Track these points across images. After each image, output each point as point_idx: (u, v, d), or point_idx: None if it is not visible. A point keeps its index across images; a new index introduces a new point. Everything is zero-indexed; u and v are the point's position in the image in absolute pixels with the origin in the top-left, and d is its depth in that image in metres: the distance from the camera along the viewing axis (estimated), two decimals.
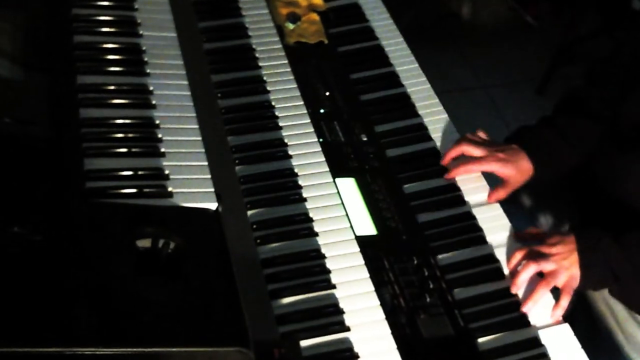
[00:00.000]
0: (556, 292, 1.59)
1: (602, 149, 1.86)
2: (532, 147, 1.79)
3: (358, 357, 1.41)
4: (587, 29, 3.87)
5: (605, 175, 1.84)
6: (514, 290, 1.57)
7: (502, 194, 1.74)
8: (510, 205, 1.78)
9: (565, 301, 1.57)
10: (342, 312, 1.46)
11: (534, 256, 1.60)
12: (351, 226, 1.61)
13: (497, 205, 1.72)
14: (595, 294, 1.90)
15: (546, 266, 1.59)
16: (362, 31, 2.12)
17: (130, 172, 1.55)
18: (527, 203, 2.13)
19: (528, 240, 1.67)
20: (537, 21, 4.28)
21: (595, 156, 1.87)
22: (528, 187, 1.82)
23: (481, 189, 1.74)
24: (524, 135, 1.85)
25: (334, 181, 1.69)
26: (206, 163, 1.61)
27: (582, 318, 1.93)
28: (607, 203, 1.83)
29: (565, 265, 1.60)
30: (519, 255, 1.60)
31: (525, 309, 1.54)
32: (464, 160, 1.77)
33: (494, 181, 1.76)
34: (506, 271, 1.60)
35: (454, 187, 1.74)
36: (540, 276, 1.59)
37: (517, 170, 1.76)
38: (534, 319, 1.53)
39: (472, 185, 1.74)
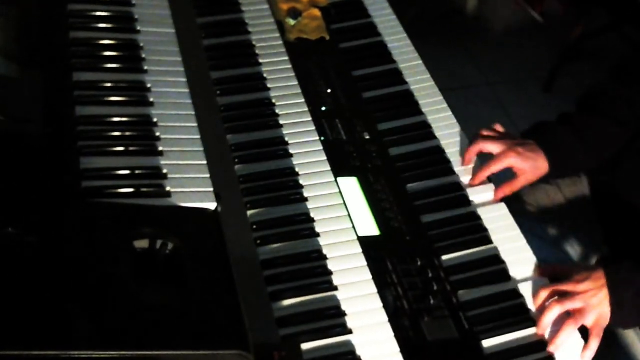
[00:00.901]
0: (585, 332, 1.55)
1: (624, 162, 1.85)
2: (550, 145, 1.78)
3: None
4: (594, 24, 3.86)
5: (629, 191, 1.83)
6: (539, 332, 1.51)
7: (507, 189, 1.74)
8: (517, 205, 1.77)
9: (595, 343, 1.52)
10: (344, 314, 1.46)
11: (560, 295, 1.55)
12: (353, 227, 1.61)
13: (503, 205, 1.72)
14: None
15: (572, 305, 1.53)
16: (364, 27, 2.11)
17: (127, 171, 1.55)
18: (552, 232, 2.08)
19: (552, 276, 1.62)
20: (543, 17, 4.28)
21: (617, 172, 1.86)
22: (552, 215, 1.79)
23: (486, 189, 1.74)
24: (541, 131, 1.84)
25: (336, 180, 1.69)
26: (205, 162, 1.61)
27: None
28: (634, 221, 1.81)
29: (594, 304, 1.54)
30: (543, 295, 1.55)
31: (552, 348, 1.50)
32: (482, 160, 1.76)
33: (498, 180, 1.76)
34: (512, 273, 1.60)
35: (458, 187, 1.74)
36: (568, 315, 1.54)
37: (533, 166, 1.75)
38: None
39: (477, 186, 1.74)
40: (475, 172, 1.76)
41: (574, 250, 2.05)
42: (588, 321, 1.54)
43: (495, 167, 1.74)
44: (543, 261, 1.64)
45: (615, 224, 1.93)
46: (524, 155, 1.74)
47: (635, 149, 1.85)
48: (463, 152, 1.79)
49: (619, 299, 1.56)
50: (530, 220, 1.97)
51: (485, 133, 1.81)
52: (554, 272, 1.63)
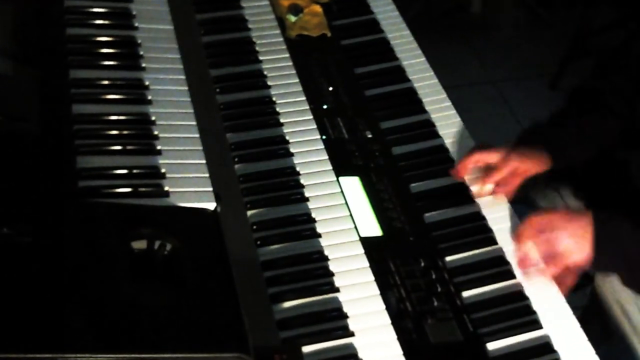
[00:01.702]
0: None
1: (617, 148, 1.86)
2: (548, 141, 1.80)
3: None
4: (601, 20, 3.86)
5: (622, 174, 1.84)
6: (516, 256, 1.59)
7: (512, 185, 1.74)
8: (522, 206, 1.77)
9: (571, 280, 1.59)
10: (345, 316, 1.46)
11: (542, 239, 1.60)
12: (355, 227, 1.61)
13: (508, 205, 1.71)
14: (609, 297, 1.89)
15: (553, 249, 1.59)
16: (366, 24, 2.11)
17: (125, 171, 1.55)
18: (541, 204, 2.11)
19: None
20: (549, 13, 4.28)
21: (611, 155, 1.87)
22: (542, 186, 1.81)
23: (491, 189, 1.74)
24: (537, 132, 1.85)
25: (338, 180, 1.69)
26: (204, 161, 1.61)
27: (595, 321, 1.92)
28: (623, 200, 1.83)
29: (572, 245, 1.59)
30: (525, 227, 1.61)
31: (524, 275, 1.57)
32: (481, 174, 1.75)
33: None
34: (517, 274, 1.59)
35: (462, 186, 1.73)
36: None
37: (537, 163, 1.76)
38: (541, 312, 1.53)
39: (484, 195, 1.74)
40: (477, 182, 1.74)
41: None
42: (560, 246, 1.58)
43: (499, 175, 1.72)
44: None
45: (601, 194, 1.95)
46: (525, 155, 1.75)
47: None
48: (467, 151, 1.79)
49: (601, 246, 1.59)
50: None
51: (480, 146, 1.79)
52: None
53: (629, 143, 1.83)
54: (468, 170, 1.74)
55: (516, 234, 1.62)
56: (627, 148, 1.83)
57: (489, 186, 1.72)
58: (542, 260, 1.59)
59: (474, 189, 1.72)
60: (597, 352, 1.50)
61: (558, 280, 1.59)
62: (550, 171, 1.79)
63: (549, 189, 2.09)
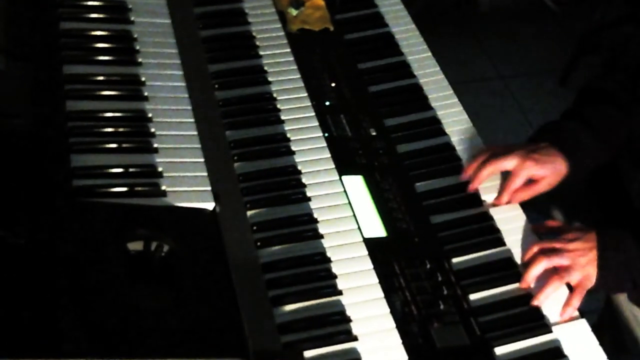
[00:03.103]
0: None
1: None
2: (562, 142, 1.76)
3: None
4: (612, 15, 3.86)
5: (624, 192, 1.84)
6: (523, 286, 1.57)
7: (526, 195, 1.72)
8: (533, 212, 1.77)
9: (576, 300, 1.56)
10: (349, 320, 1.46)
11: (548, 251, 1.60)
12: (359, 228, 1.61)
13: (516, 205, 1.71)
14: (623, 303, 1.89)
15: (560, 261, 1.59)
16: (370, 17, 2.11)
17: (120, 170, 1.55)
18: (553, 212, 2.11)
19: (545, 233, 1.68)
20: (559, 7, 4.28)
21: (615, 171, 1.87)
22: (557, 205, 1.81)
23: (498, 188, 1.74)
24: (550, 130, 1.82)
25: (341, 179, 1.69)
26: (202, 160, 1.61)
27: (609, 328, 1.92)
28: (632, 209, 1.82)
29: (581, 263, 1.60)
30: (534, 249, 1.61)
31: (536, 302, 1.55)
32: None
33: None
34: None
35: (469, 185, 1.73)
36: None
37: (554, 169, 1.72)
38: (550, 315, 1.53)
39: (488, 184, 1.74)
40: (498, 190, 1.73)
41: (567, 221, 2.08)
42: (573, 279, 1.59)
43: (516, 183, 1.70)
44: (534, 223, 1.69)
45: (610, 202, 1.94)
46: (541, 161, 1.71)
47: None
48: (474, 150, 1.79)
49: (605, 263, 1.61)
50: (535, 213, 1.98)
51: (492, 150, 1.76)
52: (547, 229, 1.69)
53: (635, 161, 1.83)
54: (482, 181, 1.72)
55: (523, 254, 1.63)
56: (633, 167, 1.82)
57: (506, 197, 1.71)
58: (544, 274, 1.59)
59: (488, 197, 1.71)
60: (610, 357, 1.50)
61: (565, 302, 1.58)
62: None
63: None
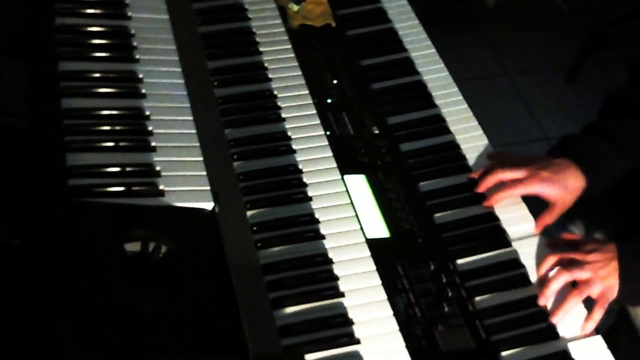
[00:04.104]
0: (589, 304, 1.57)
1: None
2: (583, 157, 1.73)
3: None
4: (621, 10, 3.85)
5: None
6: (541, 302, 1.55)
7: (548, 219, 1.70)
8: (550, 230, 1.75)
9: (598, 314, 1.55)
10: (351, 322, 1.46)
11: (567, 264, 1.58)
12: (361, 228, 1.61)
13: (523, 205, 1.71)
14: (639, 310, 1.89)
15: (580, 275, 1.57)
16: (373, 13, 2.11)
17: (117, 169, 1.55)
18: (573, 230, 2.06)
19: (562, 246, 1.67)
20: (566, 2, 4.27)
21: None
22: (572, 213, 1.80)
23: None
24: (569, 145, 1.79)
25: (343, 178, 1.69)
26: (201, 158, 1.61)
27: (624, 335, 1.92)
28: None
29: (601, 275, 1.58)
30: (551, 261, 1.59)
31: (555, 319, 1.53)
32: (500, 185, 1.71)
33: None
34: (532, 277, 1.59)
35: (474, 185, 1.73)
36: (573, 286, 1.58)
37: (564, 189, 1.69)
38: (563, 331, 1.52)
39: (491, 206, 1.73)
40: (492, 192, 1.71)
41: (585, 231, 2.05)
42: (594, 292, 1.57)
43: (514, 192, 1.69)
44: (550, 236, 1.68)
45: (633, 208, 1.93)
46: (549, 180, 1.68)
47: None
48: (479, 149, 1.79)
49: (628, 273, 1.59)
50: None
51: (502, 157, 1.76)
52: (563, 242, 1.69)
53: None
54: (488, 188, 1.71)
55: (539, 266, 1.61)
56: None
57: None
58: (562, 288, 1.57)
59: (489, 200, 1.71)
60: None
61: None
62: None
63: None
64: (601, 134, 1.79)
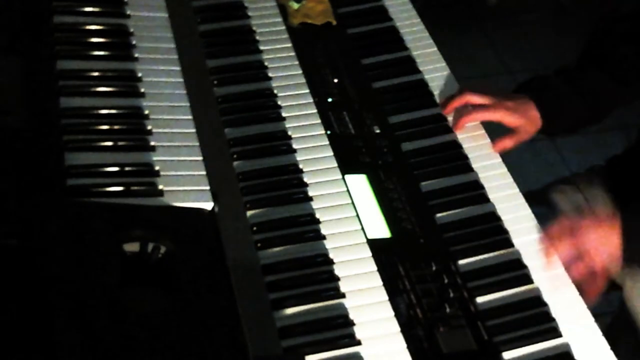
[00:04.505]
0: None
1: None
2: (541, 95, 1.86)
3: None
4: (626, 8, 3.84)
5: None
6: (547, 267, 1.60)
7: (509, 143, 1.82)
8: (542, 208, 1.77)
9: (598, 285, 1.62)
10: (352, 324, 1.46)
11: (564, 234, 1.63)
12: (362, 228, 1.61)
13: (525, 205, 1.71)
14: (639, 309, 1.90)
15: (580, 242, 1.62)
16: (374, 11, 2.11)
17: (116, 168, 1.55)
18: (563, 206, 2.11)
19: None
20: (570, 1, 4.27)
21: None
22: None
23: (508, 186, 1.74)
24: (533, 83, 1.93)
25: (343, 178, 1.69)
26: (201, 158, 1.61)
27: (625, 335, 1.92)
28: None
29: (599, 244, 1.62)
30: (553, 231, 1.64)
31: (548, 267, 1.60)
32: (468, 110, 1.84)
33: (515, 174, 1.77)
34: (535, 278, 1.59)
35: (476, 185, 1.73)
36: None
37: (525, 118, 1.83)
38: (566, 332, 1.52)
39: (496, 183, 1.74)
40: (459, 117, 1.83)
41: None
42: (596, 265, 1.62)
43: (480, 116, 1.82)
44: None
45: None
46: (512, 109, 1.82)
47: None
48: (481, 148, 1.79)
49: (629, 230, 1.63)
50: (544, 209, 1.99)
51: (468, 95, 1.85)
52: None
53: None
54: (462, 128, 1.83)
55: (544, 236, 1.64)
56: None
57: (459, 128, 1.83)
58: (566, 262, 1.61)
59: (495, 196, 1.72)
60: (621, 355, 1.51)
61: (585, 287, 1.60)
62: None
63: (572, 190, 2.09)
64: (565, 77, 1.92)
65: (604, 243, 1.61)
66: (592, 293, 1.59)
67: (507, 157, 1.79)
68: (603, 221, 1.64)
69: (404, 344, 1.45)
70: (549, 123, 1.85)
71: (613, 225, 1.63)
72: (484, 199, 1.71)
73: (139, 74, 1.73)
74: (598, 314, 1.57)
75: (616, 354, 1.51)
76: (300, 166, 1.69)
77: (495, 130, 1.85)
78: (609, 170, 2.04)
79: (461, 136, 1.82)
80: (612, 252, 1.61)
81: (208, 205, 1.49)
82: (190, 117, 1.68)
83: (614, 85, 1.89)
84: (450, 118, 1.86)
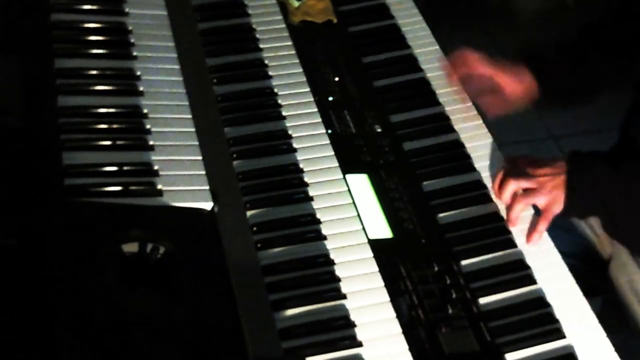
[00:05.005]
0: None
1: None
2: (536, 64, 1.92)
3: None
4: (631, 9, 3.84)
5: None
6: (510, 226, 1.67)
7: (497, 105, 1.91)
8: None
9: (543, 225, 1.66)
10: (353, 325, 1.46)
11: (516, 174, 1.70)
12: (363, 228, 1.61)
13: (529, 206, 1.71)
14: (625, 287, 1.93)
15: (526, 184, 1.69)
16: (375, 9, 2.11)
17: (114, 168, 1.55)
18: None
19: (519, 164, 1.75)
20: (574, 0, 4.27)
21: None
22: None
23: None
24: (531, 55, 1.97)
25: (344, 178, 1.69)
26: (200, 157, 1.61)
27: (613, 311, 1.94)
28: None
29: (547, 186, 1.69)
30: (502, 174, 1.71)
31: (509, 225, 1.66)
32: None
33: None
34: (537, 277, 1.59)
35: (479, 184, 1.73)
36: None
37: (519, 81, 1.90)
38: (569, 333, 1.52)
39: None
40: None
41: (596, 236, 2.09)
42: (540, 201, 1.69)
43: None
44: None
45: None
46: (510, 70, 1.90)
47: None
48: (484, 148, 1.79)
49: (574, 184, 1.69)
50: None
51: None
52: (521, 163, 1.76)
53: None
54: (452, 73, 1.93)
55: (497, 189, 1.72)
56: None
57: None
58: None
59: (489, 175, 1.75)
60: (614, 342, 1.51)
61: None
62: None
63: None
64: (565, 54, 1.97)
65: (555, 200, 1.68)
66: (537, 235, 1.65)
67: None
68: (552, 169, 1.70)
69: (405, 346, 1.44)
70: (544, 93, 1.91)
71: (560, 172, 1.69)
72: (486, 198, 1.71)
73: (138, 73, 1.73)
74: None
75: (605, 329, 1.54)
76: (301, 166, 1.69)
77: (499, 128, 1.85)
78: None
79: (464, 135, 1.82)
80: (556, 200, 1.68)
81: (207, 205, 1.49)
82: (189, 116, 1.68)
83: (606, 69, 1.94)
84: (453, 117, 1.85)
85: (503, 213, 1.69)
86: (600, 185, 1.68)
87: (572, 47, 1.97)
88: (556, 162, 1.72)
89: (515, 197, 1.68)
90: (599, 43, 1.94)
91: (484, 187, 1.73)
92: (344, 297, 1.49)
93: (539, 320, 1.54)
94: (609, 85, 1.98)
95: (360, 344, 1.43)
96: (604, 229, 1.89)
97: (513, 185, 1.68)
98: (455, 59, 1.94)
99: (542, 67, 1.92)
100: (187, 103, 1.71)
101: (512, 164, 1.75)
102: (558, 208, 1.68)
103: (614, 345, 1.51)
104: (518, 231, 1.66)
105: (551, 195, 1.68)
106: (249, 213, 1.60)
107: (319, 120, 1.79)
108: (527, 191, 1.69)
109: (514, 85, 1.89)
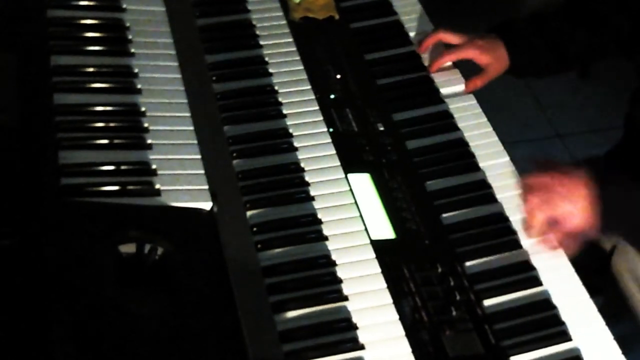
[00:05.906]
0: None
1: None
2: (509, 36, 1.96)
3: None
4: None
5: None
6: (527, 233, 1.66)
7: (479, 82, 1.93)
8: None
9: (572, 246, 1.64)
10: (355, 327, 1.46)
11: (539, 204, 1.65)
12: (366, 229, 1.61)
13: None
14: (625, 276, 1.95)
15: (551, 212, 1.64)
16: (378, 5, 2.11)
17: (111, 167, 1.55)
18: None
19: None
20: None
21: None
22: None
23: (510, 183, 1.73)
24: (504, 24, 2.01)
25: (346, 177, 1.69)
26: (199, 156, 1.61)
27: (613, 300, 1.97)
28: None
29: (564, 196, 1.64)
30: (522, 185, 1.70)
31: (527, 235, 1.65)
32: (442, 50, 1.98)
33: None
34: (542, 278, 1.59)
35: (483, 184, 1.73)
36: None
37: (495, 58, 1.94)
38: (575, 335, 1.52)
39: (503, 182, 1.73)
40: (434, 58, 1.96)
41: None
42: (557, 211, 1.64)
43: (453, 56, 1.95)
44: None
45: None
46: (483, 48, 1.93)
47: None
48: (488, 146, 1.79)
49: (599, 196, 1.64)
50: None
51: (443, 32, 2.00)
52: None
53: None
54: (428, 49, 2.00)
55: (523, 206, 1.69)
56: None
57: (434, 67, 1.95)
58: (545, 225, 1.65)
59: (503, 196, 1.72)
60: (613, 331, 1.51)
61: (563, 247, 1.64)
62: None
63: None
64: (534, 22, 2.02)
65: (574, 211, 1.63)
66: (569, 251, 1.63)
67: (515, 156, 1.79)
68: (570, 182, 1.65)
69: (408, 348, 1.44)
70: (515, 64, 1.95)
71: (581, 186, 1.64)
72: (491, 198, 1.71)
73: (136, 70, 1.73)
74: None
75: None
76: (302, 165, 1.69)
77: (504, 127, 1.84)
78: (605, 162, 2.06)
79: (467, 133, 1.82)
80: (583, 220, 1.63)
81: (207, 205, 1.49)
82: (188, 114, 1.68)
83: (582, 34, 1.97)
84: (457, 115, 1.85)
85: (508, 213, 1.68)
86: (631, 207, 1.66)
87: (544, 18, 2.02)
88: (575, 170, 1.68)
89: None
90: (572, 13, 2.00)
91: (489, 186, 1.73)
92: (345, 298, 1.49)
93: (544, 323, 1.53)
94: (584, 54, 2.03)
95: (362, 347, 1.43)
96: (632, 245, 1.88)
97: (541, 217, 1.64)
98: (432, 40, 2.00)
99: (518, 44, 1.96)
100: (185, 101, 1.71)
101: (528, 188, 1.70)
102: (574, 221, 1.64)
103: (614, 335, 1.51)
104: (523, 232, 1.66)
105: (568, 208, 1.64)
106: (248, 213, 1.60)
107: (320, 118, 1.79)
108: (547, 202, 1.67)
109: (494, 64, 1.94)
